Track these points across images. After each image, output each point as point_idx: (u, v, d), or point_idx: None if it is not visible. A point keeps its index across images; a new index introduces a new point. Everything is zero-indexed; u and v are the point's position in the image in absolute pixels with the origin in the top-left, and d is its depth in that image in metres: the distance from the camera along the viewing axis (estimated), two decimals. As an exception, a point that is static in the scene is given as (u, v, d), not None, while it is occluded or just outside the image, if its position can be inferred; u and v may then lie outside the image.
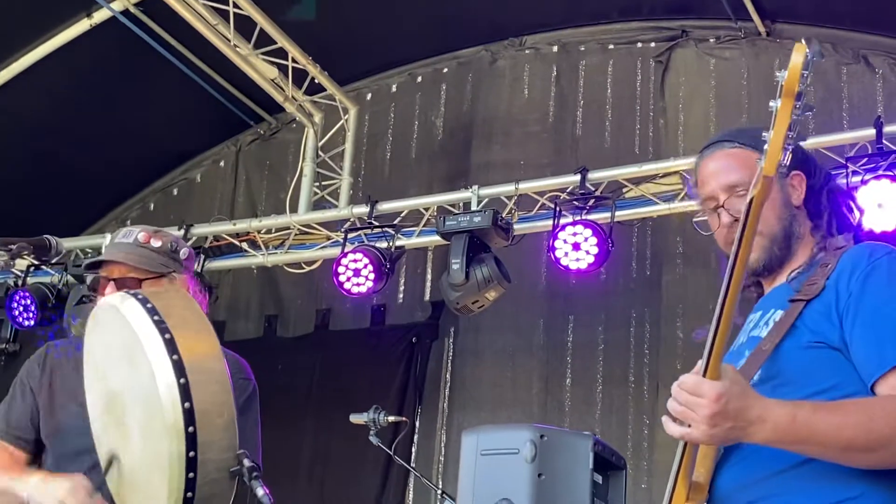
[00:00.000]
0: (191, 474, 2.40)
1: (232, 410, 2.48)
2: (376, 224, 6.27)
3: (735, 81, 6.51)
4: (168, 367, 2.39)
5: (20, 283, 6.82)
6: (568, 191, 5.87)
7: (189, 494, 2.42)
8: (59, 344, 2.99)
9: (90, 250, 6.68)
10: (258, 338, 7.33)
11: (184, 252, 2.97)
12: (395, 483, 6.77)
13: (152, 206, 8.06)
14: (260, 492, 2.49)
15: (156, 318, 2.45)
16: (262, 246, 6.67)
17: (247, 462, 2.49)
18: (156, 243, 2.90)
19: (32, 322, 6.76)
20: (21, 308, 6.70)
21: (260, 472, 2.52)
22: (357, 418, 5.22)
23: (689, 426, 1.96)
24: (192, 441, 2.38)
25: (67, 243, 5.37)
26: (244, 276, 7.26)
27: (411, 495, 6.76)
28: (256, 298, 7.51)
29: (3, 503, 3.28)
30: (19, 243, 2.81)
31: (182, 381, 2.39)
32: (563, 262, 5.62)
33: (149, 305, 2.48)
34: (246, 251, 6.71)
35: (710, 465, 2.17)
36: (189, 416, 2.38)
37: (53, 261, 5.48)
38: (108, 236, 6.82)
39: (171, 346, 2.41)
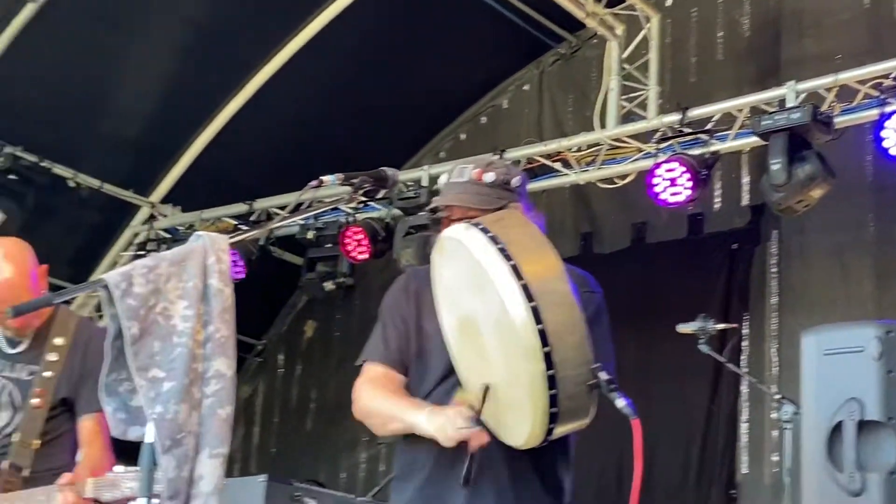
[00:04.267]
0: (552, 391, 2.51)
1: (582, 327, 2.55)
2: (688, 131, 6.18)
3: None
4: (516, 293, 2.49)
5: (351, 219, 7.23)
6: (892, 76, 5.56)
7: (553, 410, 2.53)
8: (418, 271, 3.14)
9: (411, 183, 6.97)
10: (574, 256, 7.40)
11: (516, 181, 3.00)
12: (725, 392, 6.71)
13: (463, 136, 8.28)
14: (620, 402, 2.56)
15: (499, 246, 2.55)
16: (574, 164, 6.72)
17: (603, 375, 2.56)
18: (488, 178, 2.94)
19: (366, 256, 7.18)
20: (354, 243, 7.12)
21: (616, 383, 2.58)
22: (685, 328, 5.21)
23: None
24: (548, 359, 2.48)
25: (392, 178, 5.62)
26: (557, 195, 7.34)
27: (744, 403, 6.69)
28: (570, 217, 7.58)
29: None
30: (360, 177, 2.95)
31: (532, 304, 2.49)
32: (893, 151, 5.35)
33: (490, 234, 2.58)
34: (558, 171, 6.78)
35: None
36: (543, 337, 2.48)
37: (380, 195, 5.82)
38: (424, 171, 7.11)
39: (516, 272, 2.51)
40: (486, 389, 2.67)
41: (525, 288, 2.49)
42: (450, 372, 2.84)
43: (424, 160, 8.03)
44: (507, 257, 2.52)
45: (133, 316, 2.46)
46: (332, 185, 2.90)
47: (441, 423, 2.69)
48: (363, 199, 3.08)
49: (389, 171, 3.01)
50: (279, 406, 8.81)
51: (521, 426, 2.60)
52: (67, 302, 4.83)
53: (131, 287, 2.48)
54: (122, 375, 2.55)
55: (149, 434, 2.45)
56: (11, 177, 7.15)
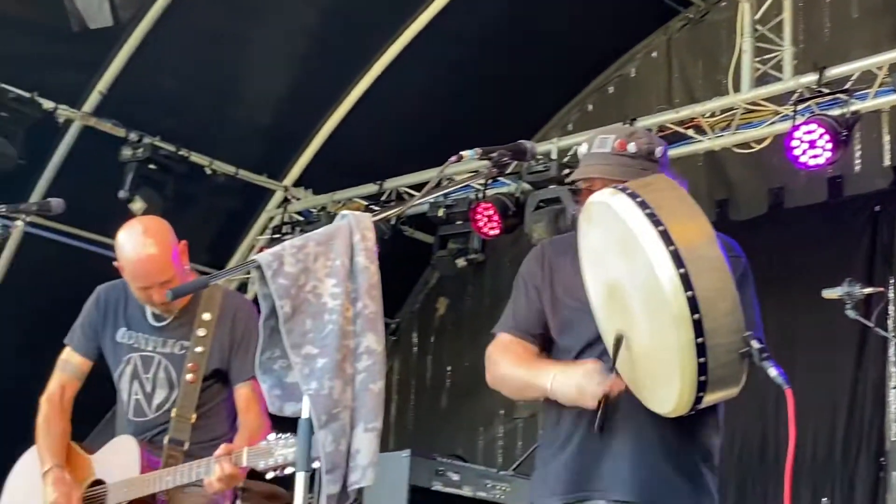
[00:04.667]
0: (701, 359, 2.46)
1: (734, 295, 2.50)
2: (827, 91, 5.99)
3: None
4: (666, 259, 2.44)
5: (481, 196, 7.23)
6: None
7: (702, 378, 2.48)
8: (554, 241, 3.13)
9: (541, 157, 6.93)
10: (710, 224, 7.27)
11: (659, 150, 2.95)
12: (872, 358, 6.53)
13: (590, 107, 8.19)
14: (772, 372, 2.50)
15: (647, 211, 2.50)
16: (708, 130, 6.60)
17: (755, 343, 2.51)
18: (631, 148, 2.90)
19: (496, 231, 7.18)
20: (485, 219, 7.12)
21: (768, 351, 2.53)
22: (831, 293, 5.07)
23: None
24: (698, 327, 2.44)
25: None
26: (690, 163, 7.21)
27: (892, 369, 6.50)
28: (705, 184, 7.45)
29: None
30: (499, 151, 2.93)
31: (681, 270, 2.44)
32: None
33: (639, 199, 2.54)
34: (691, 138, 6.66)
35: None
36: (693, 304, 2.43)
37: (509, 171, 5.80)
38: (553, 144, 7.07)
39: (665, 237, 2.46)
40: (620, 339, 2.65)
41: (675, 254, 2.45)
42: (595, 339, 2.81)
43: (552, 133, 7.98)
44: (657, 222, 2.47)
45: (285, 295, 2.50)
46: (470, 160, 2.89)
47: (579, 383, 2.68)
48: (497, 174, 3.07)
49: (528, 143, 2.98)
50: (415, 383, 8.89)
51: (669, 394, 2.56)
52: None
53: (282, 267, 2.53)
54: (275, 353, 2.61)
55: (304, 410, 2.50)
56: (151, 167, 7.35)
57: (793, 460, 2.53)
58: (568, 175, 6.87)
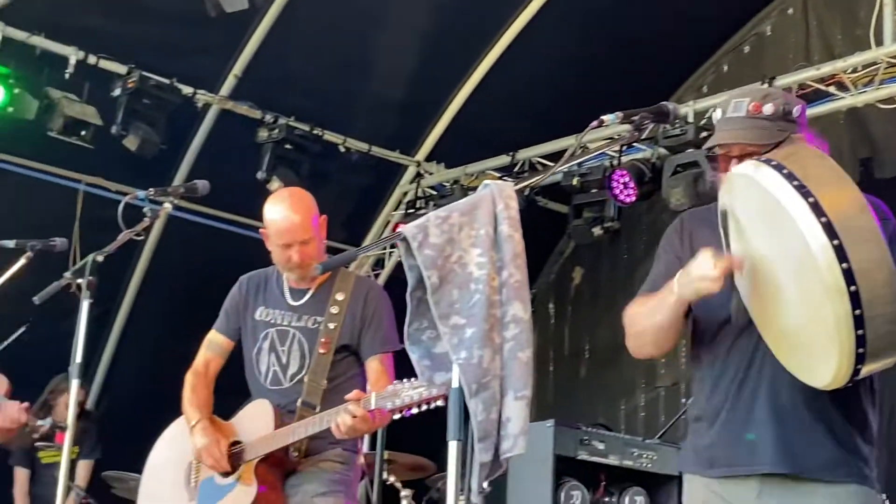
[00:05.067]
0: (859, 331, 2.40)
1: (890, 264, 2.42)
2: (975, 39, 5.75)
3: None
4: (818, 231, 2.37)
5: (616, 162, 7.16)
6: None
7: (860, 350, 2.42)
8: (693, 212, 3.08)
9: (677, 121, 6.81)
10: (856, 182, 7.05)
11: (797, 110, 2.84)
12: None
13: (725, 67, 8.00)
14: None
15: (795, 182, 2.43)
16: (850, 86, 6.39)
17: (915, 312, 2.42)
18: (767, 110, 2.79)
19: (633, 198, 7.09)
20: (621, 186, 7.04)
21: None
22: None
23: None
24: (855, 299, 2.37)
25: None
26: (831, 120, 6.99)
27: None
28: (847, 142, 7.21)
29: None
30: (641, 114, 2.88)
31: (835, 242, 2.37)
32: None
33: (785, 171, 2.46)
34: (833, 95, 6.46)
35: None
36: (849, 276, 2.36)
37: (644, 136, 5.72)
38: (689, 107, 6.94)
39: (816, 209, 2.39)
40: (725, 214, 2.62)
41: (828, 225, 2.37)
42: (737, 312, 2.75)
43: (687, 95, 7.82)
44: (806, 193, 2.40)
45: (431, 265, 2.52)
46: (611, 124, 2.86)
47: (698, 266, 2.62)
48: (637, 138, 3.02)
49: (669, 104, 2.92)
50: (553, 354, 8.88)
51: (825, 367, 2.50)
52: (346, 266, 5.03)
53: (427, 238, 2.55)
54: (423, 324, 2.63)
55: (455, 379, 2.52)
56: (287, 147, 7.48)
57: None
58: (706, 138, 6.74)
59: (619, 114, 2.84)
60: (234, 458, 3.90)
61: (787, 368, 2.63)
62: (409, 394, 3.44)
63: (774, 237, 2.53)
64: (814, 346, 2.51)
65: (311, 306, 3.98)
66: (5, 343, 4.88)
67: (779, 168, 2.48)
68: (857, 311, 2.38)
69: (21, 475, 6.96)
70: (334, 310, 3.92)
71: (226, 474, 3.89)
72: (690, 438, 2.92)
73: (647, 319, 2.82)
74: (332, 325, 3.91)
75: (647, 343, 2.87)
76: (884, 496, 4.60)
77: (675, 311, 2.74)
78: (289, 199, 3.98)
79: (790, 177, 2.45)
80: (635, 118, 2.85)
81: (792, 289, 2.52)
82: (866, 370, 2.49)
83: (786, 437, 2.68)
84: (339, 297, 3.95)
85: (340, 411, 3.62)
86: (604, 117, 2.81)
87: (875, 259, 2.40)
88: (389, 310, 3.97)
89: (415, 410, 3.46)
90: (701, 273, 2.61)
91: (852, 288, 2.37)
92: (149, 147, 6.94)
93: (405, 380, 3.50)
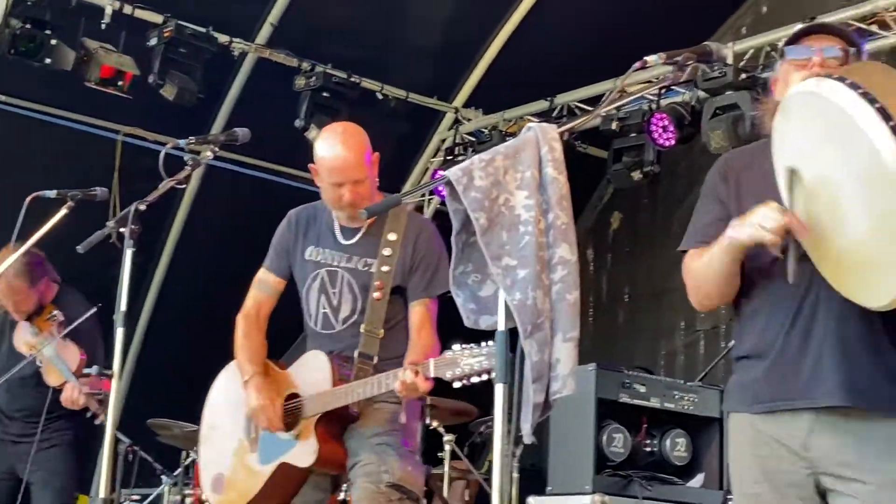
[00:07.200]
0: None
1: None
2: None
3: None
4: (888, 136, 2.32)
5: (655, 106, 7.10)
6: None
7: None
8: (736, 152, 3.04)
9: (717, 62, 6.72)
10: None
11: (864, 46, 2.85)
12: None
13: (764, 8, 7.89)
14: None
15: (860, 91, 2.38)
16: (893, 24, 6.29)
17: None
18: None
19: (672, 142, 7.04)
20: (660, 129, 6.99)
21: None
22: None
23: None
24: None
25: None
26: (872, 60, 6.88)
27: None
28: (891, 82, 7.11)
29: None
30: (684, 54, 2.84)
31: None
32: None
33: (848, 81, 2.42)
34: (876, 33, 6.38)
35: None
36: None
37: (683, 79, 5.65)
38: (728, 48, 6.83)
39: (883, 113, 2.33)
40: (792, 173, 2.54)
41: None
42: (793, 247, 2.70)
43: (725, 37, 7.71)
44: (872, 100, 2.34)
45: (479, 207, 2.51)
46: (654, 65, 2.82)
47: (757, 213, 2.57)
48: (679, 79, 2.96)
49: (713, 45, 2.89)
50: (592, 300, 8.87)
51: (890, 283, 2.42)
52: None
53: (472, 181, 2.54)
54: (468, 268, 2.63)
55: (500, 322, 2.52)
56: (325, 94, 7.46)
57: None
58: (746, 80, 6.62)
59: (662, 54, 2.80)
60: (291, 413, 3.82)
61: (842, 292, 2.55)
62: (469, 363, 3.35)
63: (838, 151, 2.45)
64: (880, 261, 2.42)
65: (362, 247, 3.85)
66: (74, 324, 4.88)
67: (841, 79, 2.44)
68: None
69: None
70: (387, 251, 3.79)
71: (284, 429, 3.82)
72: (736, 376, 2.85)
73: (707, 269, 2.76)
74: (385, 269, 3.78)
75: (712, 294, 2.81)
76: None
77: (731, 256, 2.69)
78: (342, 134, 3.83)
79: (853, 86, 2.39)
80: (679, 58, 2.81)
81: (857, 204, 2.43)
82: None
83: (847, 368, 2.61)
84: (392, 237, 3.82)
85: (399, 375, 3.50)
86: (647, 58, 2.77)
87: None
88: (440, 250, 3.82)
89: (475, 380, 3.35)
90: (761, 221, 2.57)
91: None
92: (187, 96, 6.95)
93: (462, 346, 3.40)
